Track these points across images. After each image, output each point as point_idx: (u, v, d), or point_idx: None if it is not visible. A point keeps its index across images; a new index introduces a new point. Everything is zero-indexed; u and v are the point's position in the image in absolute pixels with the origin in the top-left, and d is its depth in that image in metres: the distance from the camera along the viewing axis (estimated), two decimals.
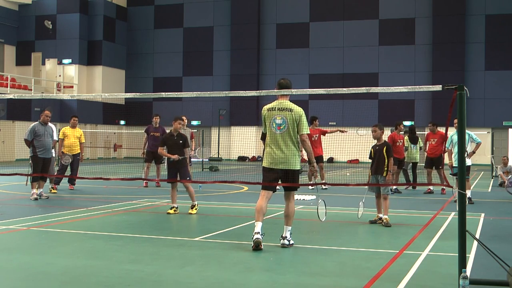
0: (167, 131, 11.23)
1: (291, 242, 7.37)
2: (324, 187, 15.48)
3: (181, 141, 10.61)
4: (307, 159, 7.52)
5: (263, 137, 17.03)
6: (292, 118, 7.24)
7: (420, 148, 16.28)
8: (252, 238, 7.04)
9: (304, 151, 7.58)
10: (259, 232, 7.07)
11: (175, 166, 10.61)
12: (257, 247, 6.97)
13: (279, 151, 7.25)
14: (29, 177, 11.53)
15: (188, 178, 10.66)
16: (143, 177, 16.45)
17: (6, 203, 12.06)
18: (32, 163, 12.53)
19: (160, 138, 11.63)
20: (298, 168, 7.36)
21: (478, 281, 5.30)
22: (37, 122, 12.73)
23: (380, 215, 9.40)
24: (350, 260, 6.62)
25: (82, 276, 5.72)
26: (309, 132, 7.45)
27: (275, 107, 7.34)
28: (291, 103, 7.38)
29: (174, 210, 10.44)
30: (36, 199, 12.28)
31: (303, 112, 7.37)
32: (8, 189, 14.87)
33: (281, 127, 7.25)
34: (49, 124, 14.26)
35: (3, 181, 16.89)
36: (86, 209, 10.95)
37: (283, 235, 7.34)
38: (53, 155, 14.20)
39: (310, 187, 15.06)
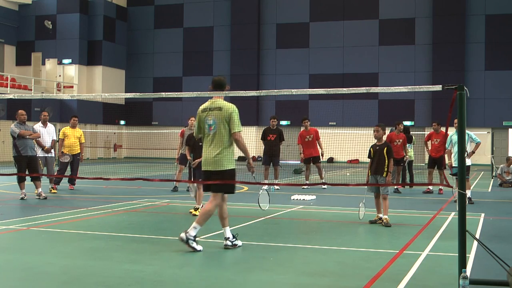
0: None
1: (236, 242, 7.12)
2: (323, 186, 15.49)
3: (200, 143, 10.65)
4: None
5: (263, 137, 17.05)
6: (221, 116, 7.03)
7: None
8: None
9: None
10: (228, 238, 7.16)
11: (194, 168, 10.66)
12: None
13: (209, 152, 7.07)
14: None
15: (201, 179, 10.62)
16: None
17: (6, 203, 12.06)
18: (16, 163, 12.48)
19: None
20: (229, 168, 7.09)
21: (478, 281, 5.30)
22: (15, 123, 12.59)
23: (380, 215, 9.40)
24: (350, 260, 6.62)
25: (82, 276, 5.72)
26: (241, 130, 7.13)
27: (207, 108, 7.16)
28: (222, 101, 7.15)
29: (196, 210, 10.49)
30: (22, 198, 12.25)
31: (235, 110, 7.10)
32: (8, 189, 14.87)
33: (212, 127, 7.07)
34: (48, 124, 14.29)
35: (3, 181, 16.89)
36: (86, 209, 10.94)
37: (225, 236, 7.13)
38: (53, 155, 14.23)
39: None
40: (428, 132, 16.22)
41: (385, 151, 9.45)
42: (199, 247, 6.93)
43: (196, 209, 10.43)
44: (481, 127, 33.40)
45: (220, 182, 6.99)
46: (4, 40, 38.48)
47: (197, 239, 7.02)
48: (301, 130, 16.33)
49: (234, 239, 7.18)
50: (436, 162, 15.09)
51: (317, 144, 16.12)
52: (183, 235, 6.87)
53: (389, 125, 15.89)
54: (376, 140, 9.68)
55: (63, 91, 37.76)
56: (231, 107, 7.09)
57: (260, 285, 5.51)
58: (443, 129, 15.58)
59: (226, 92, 7.31)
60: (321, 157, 16.29)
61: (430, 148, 15.49)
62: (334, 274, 5.96)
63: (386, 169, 9.42)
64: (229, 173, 7.11)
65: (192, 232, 6.90)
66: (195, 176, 10.70)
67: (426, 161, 15.89)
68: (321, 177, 16.15)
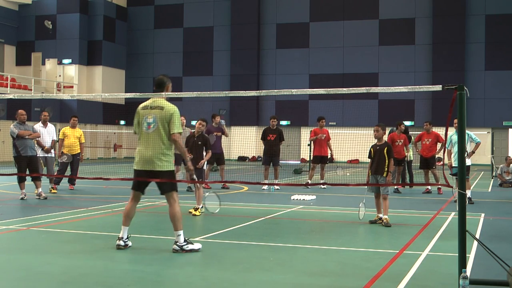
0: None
1: (186, 247, 6.82)
2: (323, 186, 15.50)
3: (200, 142, 10.64)
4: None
5: (263, 137, 17.05)
6: (162, 116, 6.88)
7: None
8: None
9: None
10: (122, 238, 6.97)
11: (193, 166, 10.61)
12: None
13: (147, 151, 6.89)
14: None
15: (200, 180, 10.60)
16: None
17: (6, 203, 12.06)
18: (16, 163, 12.48)
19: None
20: (168, 169, 6.93)
21: (478, 281, 5.30)
22: (14, 123, 12.59)
23: (380, 215, 9.40)
24: (350, 260, 6.62)
25: (82, 276, 5.72)
26: (181, 131, 6.99)
27: (148, 106, 7.02)
28: (164, 101, 7.04)
29: (196, 210, 10.49)
30: (22, 198, 12.26)
31: (176, 111, 6.96)
32: (8, 189, 14.88)
33: (151, 126, 6.90)
34: (48, 124, 14.29)
35: (3, 181, 16.89)
36: (86, 209, 10.95)
37: (175, 240, 6.87)
38: (53, 155, 14.23)
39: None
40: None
41: (385, 151, 9.45)
42: (197, 246, 6.90)
43: (196, 209, 10.44)
44: (481, 127, 33.41)
45: (217, 182, 6.97)
46: (4, 40, 38.48)
47: (191, 239, 6.97)
48: (315, 128, 16.44)
49: (127, 239, 7.04)
50: (428, 162, 15.13)
51: (327, 145, 16.18)
52: (174, 246, 6.81)
53: (389, 125, 15.91)
54: (376, 140, 9.67)
55: (63, 91, 37.76)
56: (173, 108, 6.95)
57: (260, 285, 5.51)
58: (439, 128, 15.63)
59: (227, 92, 7.29)
60: (332, 158, 16.40)
61: (420, 148, 15.53)
62: (334, 274, 5.96)
63: (386, 169, 9.41)
64: (170, 175, 6.97)
65: (180, 240, 6.82)
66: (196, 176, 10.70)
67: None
68: (322, 177, 16.18)
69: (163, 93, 7.10)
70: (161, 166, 6.88)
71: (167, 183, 6.91)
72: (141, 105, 7.13)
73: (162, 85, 7.17)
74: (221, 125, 16.11)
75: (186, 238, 6.91)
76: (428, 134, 15.42)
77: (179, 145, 7.01)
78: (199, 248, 6.89)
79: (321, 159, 16.15)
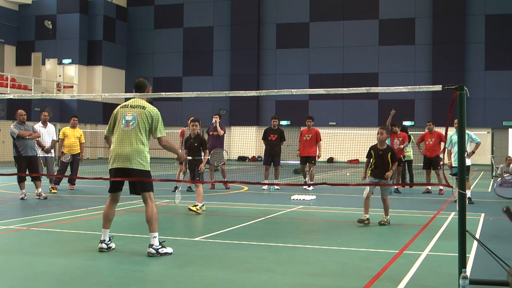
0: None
1: (162, 250, 6.60)
2: (308, 187, 15.37)
3: (196, 144, 10.75)
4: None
5: (264, 137, 16.95)
6: (143, 115, 6.74)
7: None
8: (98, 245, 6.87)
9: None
10: (104, 240, 6.84)
11: (192, 167, 10.78)
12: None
13: (123, 149, 6.69)
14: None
15: (197, 179, 10.69)
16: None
17: (6, 203, 12.06)
18: (16, 163, 12.48)
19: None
20: (144, 169, 6.76)
21: (478, 281, 5.30)
22: (14, 123, 12.59)
23: (367, 216, 9.22)
24: (350, 260, 6.62)
25: (82, 276, 5.72)
26: (165, 135, 6.85)
27: (128, 105, 6.91)
28: (146, 102, 6.95)
29: (197, 208, 10.55)
30: (22, 198, 12.26)
31: (159, 114, 6.85)
32: (8, 189, 14.88)
33: (130, 124, 6.75)
34: (48, 124, 14.29)
35: (3, 181, 16.90)
36: (86, 209, 10.95)
37: (150, 243, 6.63)
38: (53, 155, 14.24)
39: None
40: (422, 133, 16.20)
41: (389, 156, 9.36)
42: (169, 249, 6.71)
43: (195, 206, 10.48)
44: (481, 127, 33.41)
45: (217, 181, 6.96)
46: (4, 40, 38.48)
47: (164, 242, 6.76)
48: (303, 128, 16.34)
49: (109, 242, 6.94)
50: (431, 162, 15.11)
51: (316, 145, 16.02)
52: (150, 250, 6.57)
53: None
54: (377, 141, 9.57)
55: (63, 91, 37.77)
56: (155, 110, 6.86)
57: (260, 285, 5.51)
58: (439, 128, 15.61)
59: (227, 92, 7.28)
60: (316, 158, 16.12)
61: (423, 149, 15.50)
62: (334, 274, 5.96)
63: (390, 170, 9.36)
64: (147, 175, 6.82)
65: (156, 243, 6.60)
66: (194, 176, 10.77)
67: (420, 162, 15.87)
68: (311, 179, 15.86)
69: (162, 93, 7.08)
70: (138, 164, 6.70)
71: (143, 183, 6.76)
72: (121, 105, 7.06)
73: (143, 87, 7.11)
74: (213, 123, 15.98)
75: (161, 241, 6.71)
76: (431, 134, 15.40)
77: (169, 146, 6.96)
78: (171, 252, 6.72)
79: (306, 160, 15.93)
